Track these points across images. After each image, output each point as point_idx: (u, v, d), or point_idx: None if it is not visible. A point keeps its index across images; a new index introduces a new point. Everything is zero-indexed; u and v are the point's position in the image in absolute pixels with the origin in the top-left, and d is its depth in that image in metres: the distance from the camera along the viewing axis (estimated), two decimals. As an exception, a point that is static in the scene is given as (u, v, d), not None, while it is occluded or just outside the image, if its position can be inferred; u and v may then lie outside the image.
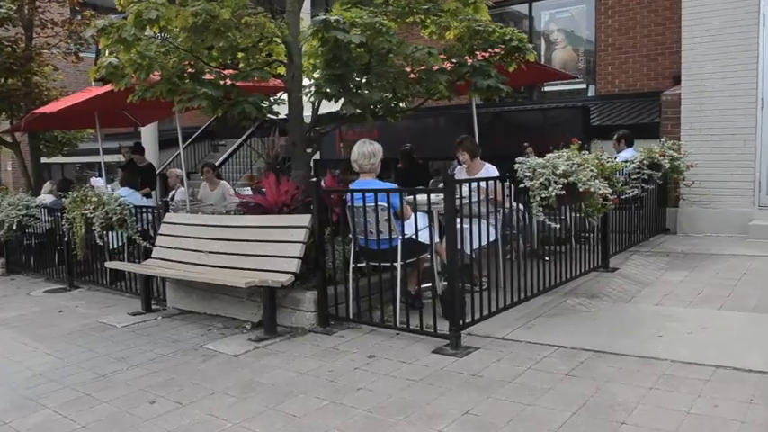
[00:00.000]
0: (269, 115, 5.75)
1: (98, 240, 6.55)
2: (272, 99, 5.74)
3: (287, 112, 5.85)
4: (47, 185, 9.48)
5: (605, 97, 10.93)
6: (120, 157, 13.39)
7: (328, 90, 5.05)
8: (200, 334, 4.85)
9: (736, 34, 7.27)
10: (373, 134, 9.09)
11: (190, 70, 5.51)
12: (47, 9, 11.46)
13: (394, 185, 5.00)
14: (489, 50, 5.99)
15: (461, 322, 4.06)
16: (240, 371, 3.92)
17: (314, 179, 4.96)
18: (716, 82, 7.42)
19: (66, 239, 7.12)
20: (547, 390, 3.25)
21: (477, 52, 5.98)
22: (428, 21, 6.01)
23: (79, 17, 11.79)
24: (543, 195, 4.54)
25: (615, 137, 7.81)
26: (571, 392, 3.19)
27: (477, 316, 4.25)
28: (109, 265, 6.29)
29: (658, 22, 10.51)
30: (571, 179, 4.59)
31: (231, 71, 5.75)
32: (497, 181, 4.71)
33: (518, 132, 9.45)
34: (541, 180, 4.58)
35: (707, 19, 7.47)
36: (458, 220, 4.10)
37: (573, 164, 4.62)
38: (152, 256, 5.84)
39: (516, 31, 6.02)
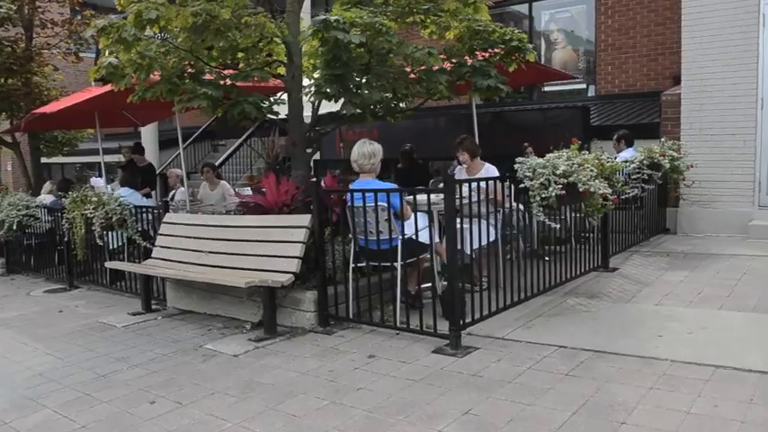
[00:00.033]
0: (269, 115, 5.75)
1: (98, 240, 6.55)
2: (272, 99, 5.74)
3: (287, 112, 5.84)
4: (47, 185, 9.48)
5: (605, 97, 10.93)
6: (120, 157, 13.39)
7: (328, 90, 5.05)
8: (200, 334, 4.85)
9: (736, 34, 7.27)
10: (373, 134, 9.09)
11: (190, 70, 5.51)
12: (47, 9, 11.46)
13: (394, 185, 5.00)
14: (489, 50, 5.99)
15: (461, 322, 4.06)
16: (240, 371, 3.92)
17: (314, 179, 4.95)
18: (716, 82, 7.42)
19: (66, 239, 7.13)
20: (547, 390, 3.25)
21: (477, 52, 5.98)
22: (428, 21, 6.01)
23: (79, 17, 11.79)
24: (543, 195, 4.54)
25: (615, 137, 7.81)
26: (571, 392, 3.19)
27: (477, 316, 4.25)
28: (109, 265, 6.29)
29: (658, 23, 10.52)
30: (571, 179, 4.59)
31: (231, 71, 5.75)
32: (497, 181, 4.71)
33: (518, 132, 9.45)
34: (541, 180, 4.57)
35: (707, 19, 7.47)
36: (458, 220, 4.10)
37: (573, 164, 4.62)
38: (152, 256, 5.84)
39: (516, 31, 6.03)
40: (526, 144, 8.34)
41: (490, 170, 5.54)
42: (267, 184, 5.47)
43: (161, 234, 5.88)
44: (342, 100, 5.34)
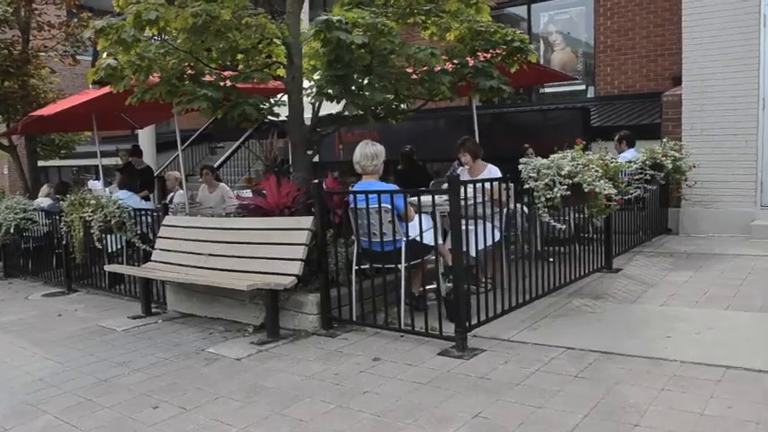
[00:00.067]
0: (270, 117, 5.70)
1: (97, 243, 6.50)
2: (272, 101, 5.70)
3: (287, 114, 5.80)
4: (44, 189, 9.42)
5: (604, 98, 10.93)
6: (117, 160, 13.31)
7: (330, 91, 5.02)
8: (201, 337, 4.79)
9: (736, 35, 7.26)
10: (373, 136, 9.01)
11: (189, 71, 5.46)
12: (43, 11, 11.40)
13: (397, 187, 4.95)
14: (491, 51, 5.96)
15: (467, 324, 4.02)
16: (244, 375, 3.86)
17: (316, 181, 4.90)
18: (717, 82, 7.41)
19: (64, 242, 7.06)
20: (556, 392, 3.20)
21: (478, 53, 5.96)
22: (429, 22, 5.98)
23: (75, 20, 11.73)
24: (548, 196, 4.51)
25: (616, 138, 7.80)
26: (581, 394, 3.15)
27: (482, 317, 4.21)
28: (108, 268, 6.23)
29: (657, 24, 10.52)
30: (576, 180, 4.56)
31: (231, 72, 5.70)
32: (500, 181, 4.67)
33: (518, 133, 9.43)
34: (546, 181, 4.54)
35: (708, 20, 7.45)
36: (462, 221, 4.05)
37: (578, 164, 4.59)
38: (152, 258, 5.78)
39: (518, 32, 6.00)
40: (527, 145, 8.32)
41: (492, 171, 5.51)
42: (268, 186, 5.41)
43: (160, 237, 5.82)
44: (343, 101, 5.31)
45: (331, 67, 4.98)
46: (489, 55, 5.98)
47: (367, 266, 4.65)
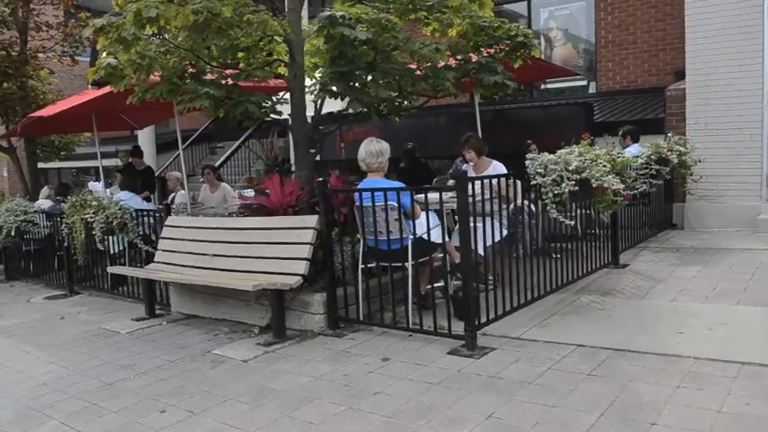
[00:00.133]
0: (272, 115, 5.64)
1: (98, 245, 6.44)
2: (274, 99, 5.64)
3: (289, 112, 5.74)
4: (44, 190, 9.37)
5: (606, 94, 10.88)
6: (117, 161, 13.27)
7: (334, 88, 4.95)
8: (206, 339, 4.74)
9: (740, 28, 7.21)
10: (375, 133, 8.97)
11: (191, 70, 5.40)
12: (41, 11, 11.32)
13: (402, 184, 4.89)
14: (495, 47, 5.91)
15: (476, 322, 3.97)
16: (251, 377, 3.81)
17: (321, 179, 4.85)
18: (721, 77, 7.36)
19: (65, 244, 7.01)
20: (570, 391, 3.15)
21: (481, 48, 5.90)
22: (431, 18, 5.91)
23: (73, 20, 11.65)
24: (556, 192, 4.46)
25: (620, 132, 7.75)
26: (595, 393, 3.10)
27: (491, 316, 4.15)
28: (111, 269, 6.18)
29: (658, 18, 10.47)
30: (584, 175, 4.51)
31: (232, 71, 5.64)
32: (507, 177, 4.62)
33: (521, 130, 9.39)
34: (554, 176, 4.50)
35: (711, 14, 7.40)
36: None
37: (585, 160, 4.54)
38: (155, 260, 5.72)
39: (521, 27, 5.94)
40: (530, 141, 8.27)
41: (498, 167, 5.45)
42: (271, 185, 5.37)
43: (163, 237, 5.77)
44: (346, 99, 5.25)
45: (334, 63, 4.92)
46: (492, 50, 5.93)
47: (373, 265, 4.60)
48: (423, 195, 4.38)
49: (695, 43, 7.55)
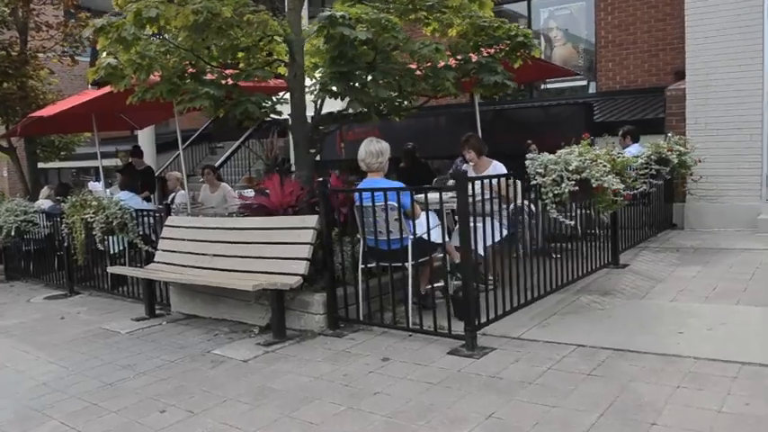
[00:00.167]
0: (272, 115, 5.64)
1: (99, 245, 6.44)
2: (274, 99, 5.64)
3: (289, 112, 5.74)
4: (44, 190, 9.37)
5: (606, 94, 10.88)
6: (117, 162, 13.28)
7: (334, 88, 4.95)
8: (206, 339, 4.74)
9: (740, 28, 7.21)
10: (374, 133, 8.98)
11: (191, 70, 5.40)
12: (41, 11, 11.32)
13: (402, 184, 4.90)
14: (495, 47, 5.91)
15: (476, 322, 3.97)
16: (251, 377, 3.81)
17: (321, 179, 4.85)
18: (721, 77, 7.36)
19: (65, 244, 7.01)
20: (570, 391, 3.15)
21: (481, 48, 5.90)
22: (431, 18, 5.91)
23: (73, 20, 11.65)
24: (556, 192, 4.46)
25: (620, 132, 7.75)
26: (596, 393, 3.10)
27: (491, 315, 4.15)
28: (111, 269, 6.18)
29: (658, 18, 10.47)
30: (584, 175, 4.51)
31: (232, 71, 5.64)
32: (507, 177, 4.62)
33: (520, 130, 9.39)
34: (554, 176, 4.50)
35: (711, 14, 7.41)
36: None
37: (585, 160, 4.54)
38: (155, 260, 5.72)
39: (521, 27, 5.95)
40: (530, 141, 8.27)
41: (498, 167, 5.45)
42: (271, 185, 5.36)
43: (163, 237, 5.77)
44: (346, 99, 5.25)
45: (334, 63, 4.92)
46: (492, 50, 5.93)
47: (373, 265, 4.60)
48: (423, 195, 4.39)
49: (695, 43, 7.55)
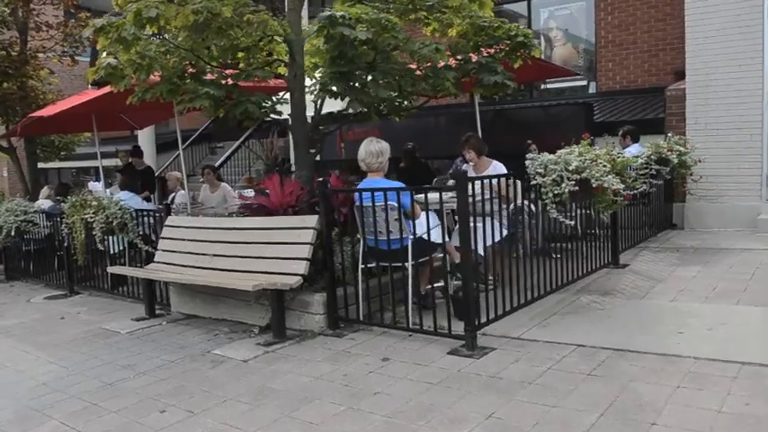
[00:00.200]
0: (272, 115, 5.64)
1: (99, 245, 6.44)
2: (274, 99, 5.64)
3: (289, 112, 5.74)
4: (44, 190, 9.37)
5: (606, 94, 10.88)
6: (117, 162, 13.28)
7: (334, 88, 4.95)
8: (206, 339, 4.74)
9: (740, 28, 7.21)
10: (374, 133, 8.98)
11: (191, 70, 5.40)
12: (41, 11, 11.32)
13: (402, 184, 4.90)
14: (494, 47, 5.91)
15: (476, 322, 3.97)
16: (251, 377, 3.81)
17: (321, 179, 4.85)
18: (721, 77, 7.36)
19: (65, 244, 7.01)
20: (570, 391, 3.15)
21: (481, 48, 5.90)
22: (431, 18, 5.92)
23: (73, 20, 11.65)
24: (556, 192, 4.46)
25: (620, 132, 7.75)
26: (596, 393, 3.10)
27: (491, 315, 4.15)
28: (111, 270, 6.17)
29: (658, 18, 10.47)
30: (584, 175, 4.51)
31: (232, 71, 5.65)
32: (507, 177, 4.62)
33: (520, 130, 9.39)
34: (554, 176, 4.50)
35: (711, 14, 7.41)
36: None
37: (585, 160, 4.54)
38: (155, 260, 5.72)
39: (521, 27, 5.95)
40: (530, 141, 8.27)
41: (498, 167, 5.45)
42: (271, 185, 5.36)
43: (163, 237, 5.77)
44: (346, 99, 5.25)
45: (334, 63, 4.92)
46: (492, 50, 5.93)
47: (373, 265, 4.60)
48: (423, 195, 4.39)
49: (695, 43, 7.55)
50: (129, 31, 4.82)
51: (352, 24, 4.63)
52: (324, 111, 5.80)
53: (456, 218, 4.99)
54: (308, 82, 5.65)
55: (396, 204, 4.29)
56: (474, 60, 5.78)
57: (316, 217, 4.66)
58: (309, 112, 5.76)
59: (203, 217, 6.63)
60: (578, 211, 5.15)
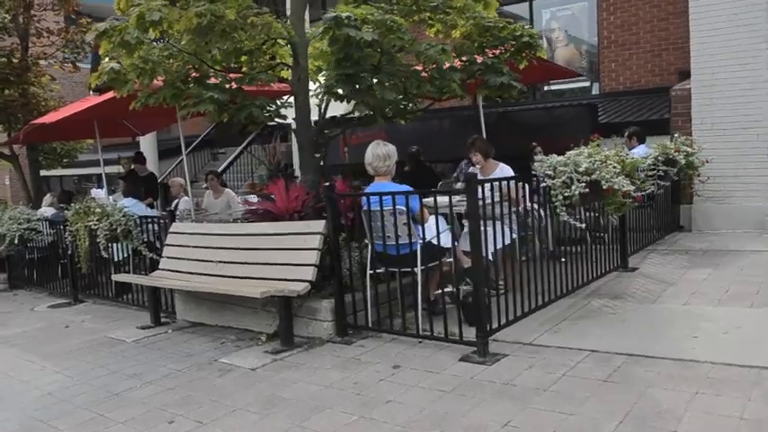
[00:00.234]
0: (277, 119, 5.59)
1: (102, 252, 6.38)
2: (278, 102, 5.60)
3: (293, 116, 5.69)
4: (47, 198, 9.32)
5: (610, 95, 10.81)
6: (119, 168, 13.22)
7: (340, 90, 4.90)
8: (213, 347, 4.68)
9: (745, 27, 7.16)
10: (380, 136, 8.94)
11: (194, 74, 5.36)
12: (42, 18, 11.29)
13: (410, 188, 4.86)
14: (500, 47, 5.86)
15: (488, 328, 3.90)
16: (259, 385, 3.75)
17: (327, 183, 4.79)
18: (726, 76, 7.31)
19: (69, 252, 6.96)
20: (587, 398, 3.09)
21: (486, 50, 5.85)
22: (435, 19, 5.87)
23: (74, 26, 11.63)
24: (566, 194, 4.41)
25: (626, 134, 7.68)
26: (613, 400, 3.04)
27: (502, 321, 4.09)
28: (116, 277, 6.12)
29: (661, 18, 10.40)
30: (594, 176, 4.45)
31: (236, 75, 5.60)
32: (516, 180, 4.56)
33: (525, 132, 9.30)
34: (563, 178, 4.44)
35: (714, 13, 7.36)
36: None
37: (595, 161, 4.48)
38: (159, 267, 5.67)
39: (526, 27, 5.90)
40: (535, 144, 8.19)
41: (504, 170, 5.40)
42: (277, 190, 5.31)
43: (168, 244, 5.71)
44: (351, 102, 5.20)
45: (340, 65, 4.87)
46: (498, 51, 5.88)
47: (381, 270, 4.54)
48: (431, 199, 4.33)
49: (700, 42, 7.50)
50: (133, 34, 4.77)
51: (358, 26, 4.58)
52: (328, 114, 5.75)
53: (464, 221, 4.94)
54: (311, 86, 5.60)
55: (404, 208, 4.23)
56: (479, 62, 5.73)
57: (323, 222, 4.60)
58: (313, 116, 5.72)
59: (208, 223, 6.58)
60: (589, 213, 5.09)
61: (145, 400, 3.68)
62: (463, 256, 4.47)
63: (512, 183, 4.42)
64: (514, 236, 4.59)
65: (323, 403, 3.35)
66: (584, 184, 4.38)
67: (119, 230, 6.16)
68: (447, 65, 5.38)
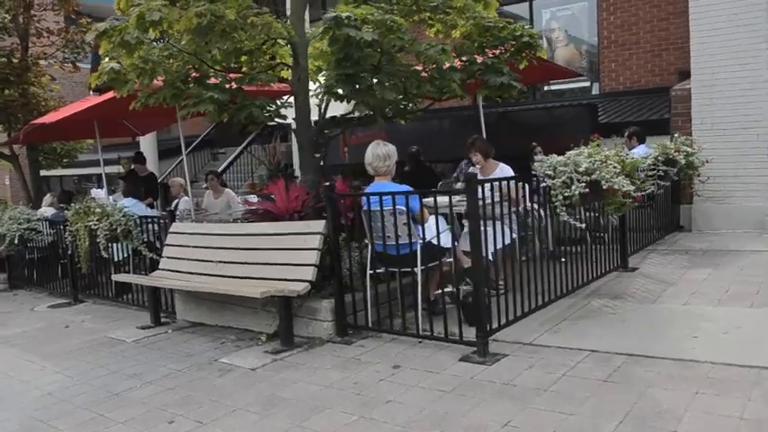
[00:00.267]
0: (276, 119, 5.59)
1: (102, 252, 6.38)
2: (278, 102, 5.60)
3: (293, 116, 5.69)
4: (47, 198, 9.32)
5: (610, 95, 10.81)
6: (119, 168, 13.23)
7: (340, 90, 4.90)
8: (213, 347, 4.68)
9: (745, 27, 7.16)
10: (380, 136, 8.94)
11: (194, 74, 5.36)
12: (42, 18, 11.29)
13: (410, 188, 4.86)
14: (500, 47, 5.86)
15: (488, 328, 3.90)
16: (259, 385, 3.75)
17: (327, 183, 4.80)
18: (726, 76, 7.31)
19: (69, 252, 6.95)
20: (587, 398, 3.09)
21: (486, 50, 5.85)
22: (434, 19, 5.87)
23: (74, 26, 11.63)
24: (566, 194, 4.41)
25: (626, 134, 7.68)
26: (613, 400, 3.04)
27: (502, 321, 4.09)
28: (116, 277, 6.12)
29: (661, 18, 10.40)
30: (594, 176, 4.45)
31: (236, 75, 5.60)
32: (516, 180, 4.56)
33: (525, 132, 9.30)
34: (563, 178, 4.44)
35: (714, 13, 7.36)
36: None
37: (595, 161, 4.49)
38: (159, 267, 5.67)
39: (526, 27, 5.90)
40: (535, 144, 8.19)
41: (504, 170, 5.40)
42: (277, 190, 5.31)
43: (168, 244, 5.71)
44: (351, 102, 5.20)
45: (340, 65, 4.87)
46: (498, 51, 5.88)
47: (381, 270, 4.54)
48: (431, 199, 4.33)
49: (700, 42, 7.50)
50: (133, 34, 4.77)
51: (358, 26, 4.58)
52: (328, 114, 5.75)
53: (464, 221, 4.94)
54: (311, 86, 5.60)
55: (404, 208, 4.23)
56: (479, 62, 5.73)
57: (323, 222, 4.60)
58: (313, 116, 5.72)
59: (208, 223, 6.58)
60: (589, 214, 5.09)
61: (145, 400, 3.68)
62: (463, 256, 4.47)
63: (512, 183, 4.42)
64: (514, 236, 4.59)
65: (323, 403, 3.36)
66: (584, 184, 4.38)
67: (119, 230, 6.17)
68: (447, 65, 5.38)
